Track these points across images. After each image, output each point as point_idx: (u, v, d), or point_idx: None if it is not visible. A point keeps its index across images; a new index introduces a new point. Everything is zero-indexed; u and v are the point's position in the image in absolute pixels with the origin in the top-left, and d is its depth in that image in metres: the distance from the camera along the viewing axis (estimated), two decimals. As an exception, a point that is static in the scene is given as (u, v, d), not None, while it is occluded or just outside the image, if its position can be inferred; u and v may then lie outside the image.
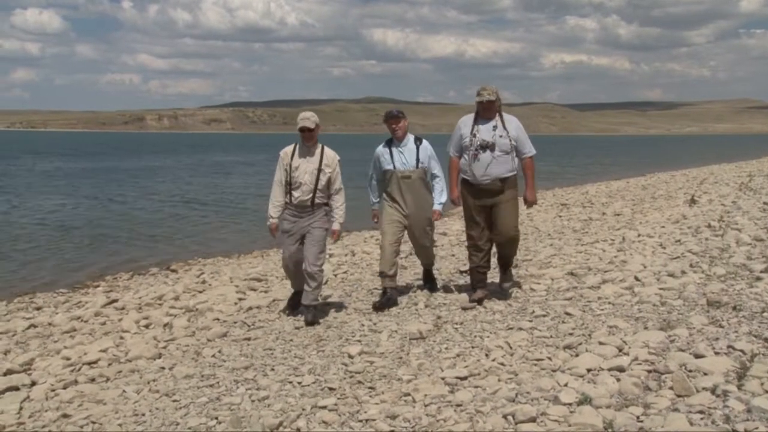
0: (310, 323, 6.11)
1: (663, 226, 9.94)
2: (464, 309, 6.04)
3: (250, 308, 7.09)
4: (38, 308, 8.37)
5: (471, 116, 6.19)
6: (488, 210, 6.15)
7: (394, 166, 6.46)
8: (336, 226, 6.32)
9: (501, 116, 6.07)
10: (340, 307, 6.74)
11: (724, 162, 36.48)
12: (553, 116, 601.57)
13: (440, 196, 6.61)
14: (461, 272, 7.82)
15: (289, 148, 6.27)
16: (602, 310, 5.52)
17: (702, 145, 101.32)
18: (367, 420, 3.79)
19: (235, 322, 6.54)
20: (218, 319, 6.77)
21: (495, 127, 6.03)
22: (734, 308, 4.99)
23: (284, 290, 7.81)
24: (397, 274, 6.64)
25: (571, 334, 4.94)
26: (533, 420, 3.47)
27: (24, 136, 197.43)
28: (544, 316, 5.55)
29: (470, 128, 6.10)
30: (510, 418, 3.54)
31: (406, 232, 6.64)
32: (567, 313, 5.49)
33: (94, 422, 4.30)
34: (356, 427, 3.75)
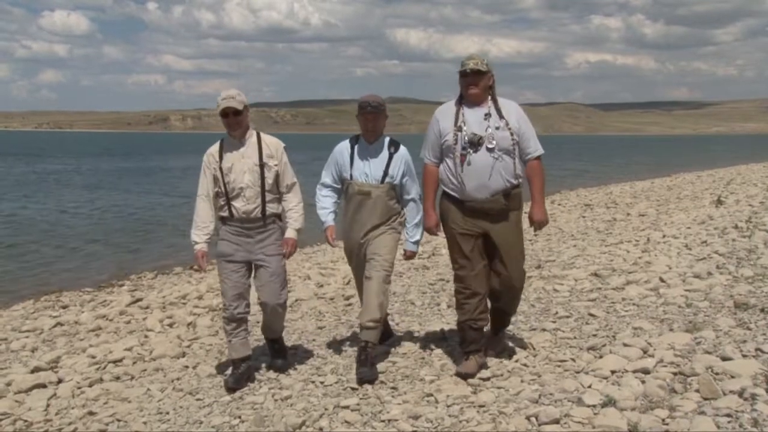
0: (279, 368, 4.87)
1: (689, 227, 9.82)
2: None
3: (273, 308, 7.11)
4: (64, 307, 8.47)
5: (450, 104, 4.42)
6: (483, 238, 4.37)
7: (351, 176, 4.75)
8: (291, 234, 4.71)
9: (495, 100, 4.33)
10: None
11: (752, 162, 35.91)
12: (576, 116, 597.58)
13: (415, 230, 4.79)
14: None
15: (213, 148, 4.70)
16: (627, 311, 5.47)
17: (729, 145, 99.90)
18: (389, 420, 3.79)
19: (258, 322, 6.56)
20: (241, 319, 6.79)
21: (487, 116, 4.27)
22: (762, 310, 4.91)
23: (307, 289, 7.84)
24: (385, 316, 4.87)
25: (594, 335, 4.90)
26: (557, 422, 3.45)
27: (53, 137, 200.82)
28: (567, 317, 5.51)
29: (453, 119, 4.31)
30: (533, 419, 3.52)
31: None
32: (591, 315, 5.45)
33: (119, 420, 4.35)
34: (378, 427, 3.75)
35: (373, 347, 4.62)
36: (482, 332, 4.49)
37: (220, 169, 4.59)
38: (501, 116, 4.26)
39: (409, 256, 4.88)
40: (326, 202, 4.89)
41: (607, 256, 8.19)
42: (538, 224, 4.42)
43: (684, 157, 55.86)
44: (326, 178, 4.91)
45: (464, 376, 4.29)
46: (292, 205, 4.73)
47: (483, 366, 4.41)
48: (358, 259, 4.83)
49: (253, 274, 4.74)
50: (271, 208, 4.66)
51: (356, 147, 4.79)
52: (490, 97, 4.32)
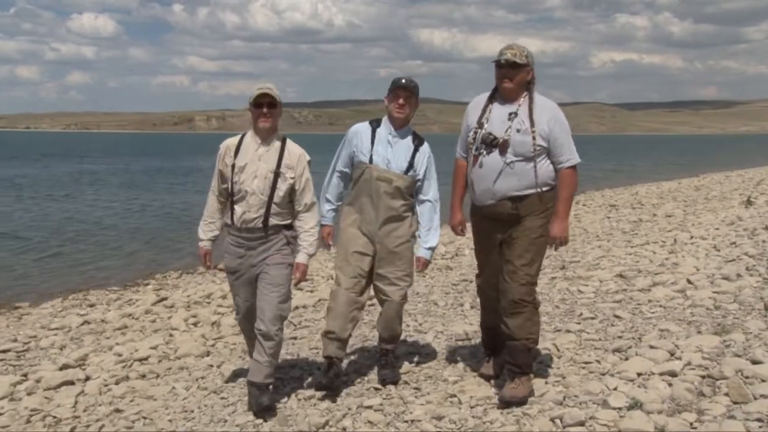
0: (265, 409, 4.08)
1: (717, 228, 9.67)
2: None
3: (296, 308, 7.15)
4: (91, 305, 8.59)
5: (484, 96, 4.05)
6: (498, 248, 4.04)
7: (371, 159, 4.31)
8: (302, 259, 4.20)
9: (531, 99, 3.88)
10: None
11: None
12: (602, 116, 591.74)
13: (429, 235, 4.40)
14: None
15: (232, 141, 4.25)
16: (653, 313, 5.40)
17: (759, 145, 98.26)
18: (412, 421, 3.78)
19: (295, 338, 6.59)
20: (265, 318, 6.83)
21: (513, 115, 3.85)
22: (793, 313, 4.82)
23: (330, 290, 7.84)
24: (349, 337, 4.47)
25: (620, 337, 4.85)
26: (581, 424, 3.41)
27: (82, 138, 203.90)
28: (592, 318, 5.46)
29: (479, 114, 3.98)
30: (558, 421, 3.49)
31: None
32: (616, 316, 5.39)
33: (144, 417, 4.39)
34: (402, 427, 3.74)
35: (394, 352, 4.62)
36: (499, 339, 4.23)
37: (233, 165, 4.11)
38: (530, 118, 3.81)
39: (423, 263, 4.46)
40: (332, 192, 4.50)
41: (632, 257, 8.11)
42: (553, 240, 3.94)
43: (712, 156, 55.06)
44: (339, 161, 4.46)
45: (486, 377, 4.30)
46: (308, 227, 4.22)
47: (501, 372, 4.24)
48: (365, 255, 4.32)
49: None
50: (276, 219, 4.15)
51: (378, 131, 4.35)
52: (526, 95, 3.89)
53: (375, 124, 4.39)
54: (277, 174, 4.10)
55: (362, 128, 4.41)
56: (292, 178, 4.14)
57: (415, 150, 4.34)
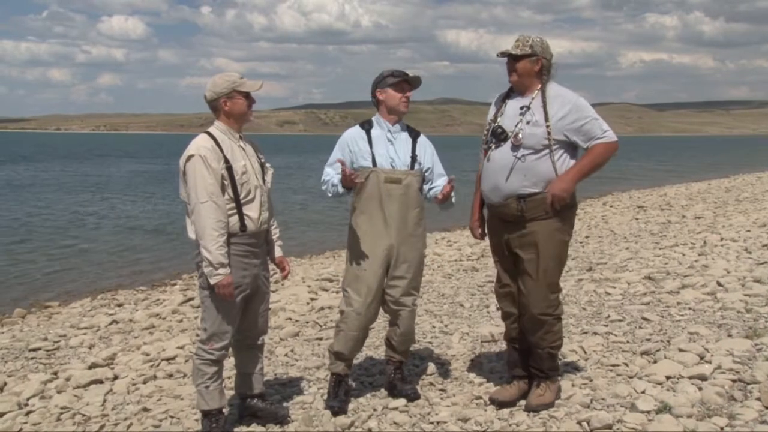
0: (282, 418, 4.01)
1: (748, 230, 9.51)
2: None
3: (322, 308, 7.16)
4: (120, 305, 8.70)
5: (504, 92, 3.95)
6: (510, 251, 3.85)
7: (375, 162, 4.02)
8: (282, 252, 4.03)
9: (543, 91, 3.72)
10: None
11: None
12: (629, 116, 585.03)
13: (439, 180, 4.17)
14: None
15: (209, 143, 3.63)
16: (682, 315, 5.33)
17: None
18: (438, 422, 3.77)
19: (307, 322, 6.62)
20: (290, 319, 6.86)
21: (525, 109, 3.70)
22: (827, 316, 4.72)
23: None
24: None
25: (648, 339, 4.79)
26: (609, 427, 3.39)
27: (113, 138, 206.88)
28: (620, 320, 5.40)
29: (496, 109, 3.89)
30: (585, 424, 3.46)
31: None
32: (644, 318, 5.33)
33: (172, 416, 4.42)
34: (427, 429, 3.73)
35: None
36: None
37: (228, 167, 3.58)
38: (543, 109, 3.65)
39: (448, 189, 3.94)
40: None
41: (661, 259, 8.01)
42: (554, 198, 3.61)
43: (743, 157, 54.17)
44: (332, 172, 4.04)
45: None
46: (273, 221, 3.97)
47: (521, 395, 3.93)
48: (380, 268, 4.01)
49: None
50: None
51: (372, 132, 4.08)
52: (540, 87, 3.73)
53: (367, 126, 4.13)
54: (263, 167, 3.85)
55: (356, 132, 4.13)
56: (270, 167, 3.90)
57: (414, 142, 4.11)
